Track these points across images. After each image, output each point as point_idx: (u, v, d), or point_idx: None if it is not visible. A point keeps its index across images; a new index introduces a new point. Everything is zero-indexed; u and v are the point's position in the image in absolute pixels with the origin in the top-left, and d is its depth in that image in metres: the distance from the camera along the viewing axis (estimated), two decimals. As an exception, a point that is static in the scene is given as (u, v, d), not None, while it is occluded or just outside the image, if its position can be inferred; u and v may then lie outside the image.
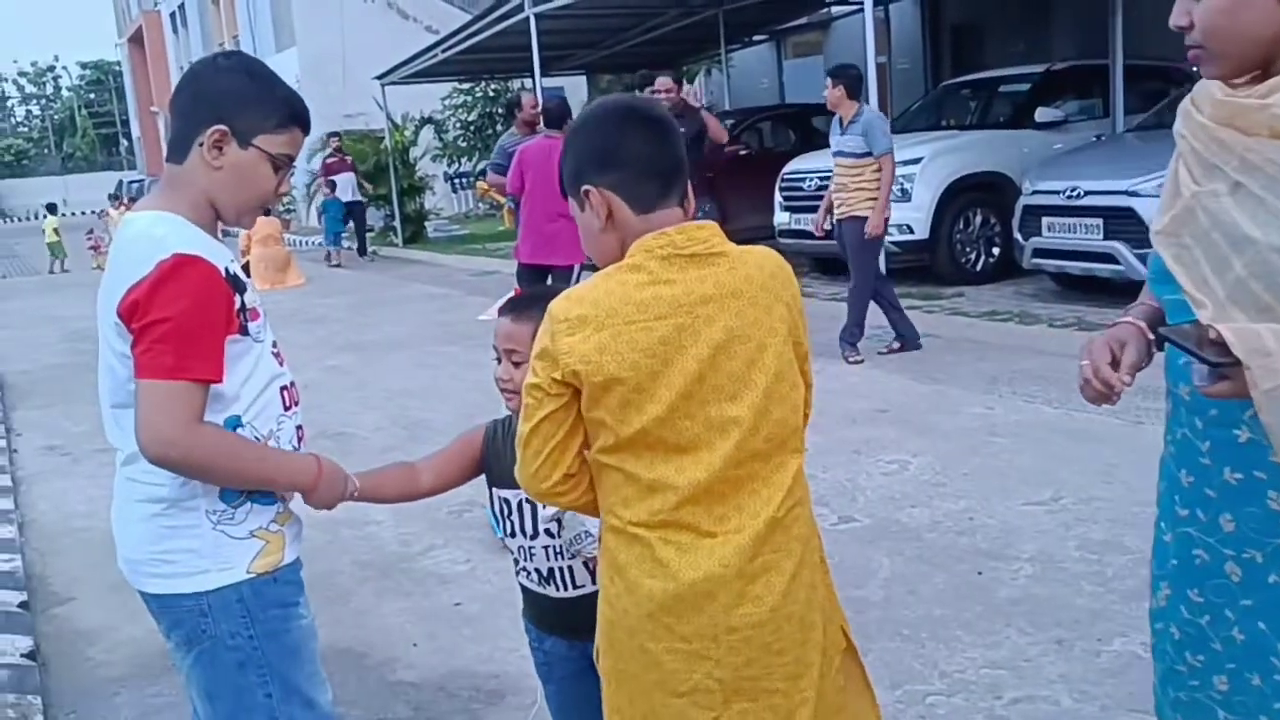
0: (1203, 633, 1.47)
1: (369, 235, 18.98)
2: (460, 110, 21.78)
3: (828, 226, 7.79)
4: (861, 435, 5.70)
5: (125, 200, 23.48)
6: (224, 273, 1.83)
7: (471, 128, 21.96)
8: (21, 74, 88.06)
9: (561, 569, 2.14)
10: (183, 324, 1.75)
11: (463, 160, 22.39)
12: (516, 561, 2.22)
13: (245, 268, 11.69)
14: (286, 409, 1.95)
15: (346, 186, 18.02)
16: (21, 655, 3.79)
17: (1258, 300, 1.31)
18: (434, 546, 4.67)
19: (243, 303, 1.86)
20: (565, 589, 2.15)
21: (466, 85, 21.45)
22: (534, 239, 6.73)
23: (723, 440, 1.69)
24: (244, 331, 1.86)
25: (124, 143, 67.31)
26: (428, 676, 3.55)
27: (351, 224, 18.49)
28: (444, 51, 16.63)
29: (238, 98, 1.89)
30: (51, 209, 21.73)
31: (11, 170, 69.55)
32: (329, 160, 18.24)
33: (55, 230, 20.71)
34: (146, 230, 1.84)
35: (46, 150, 79.81)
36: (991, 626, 3.53)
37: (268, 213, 16.90)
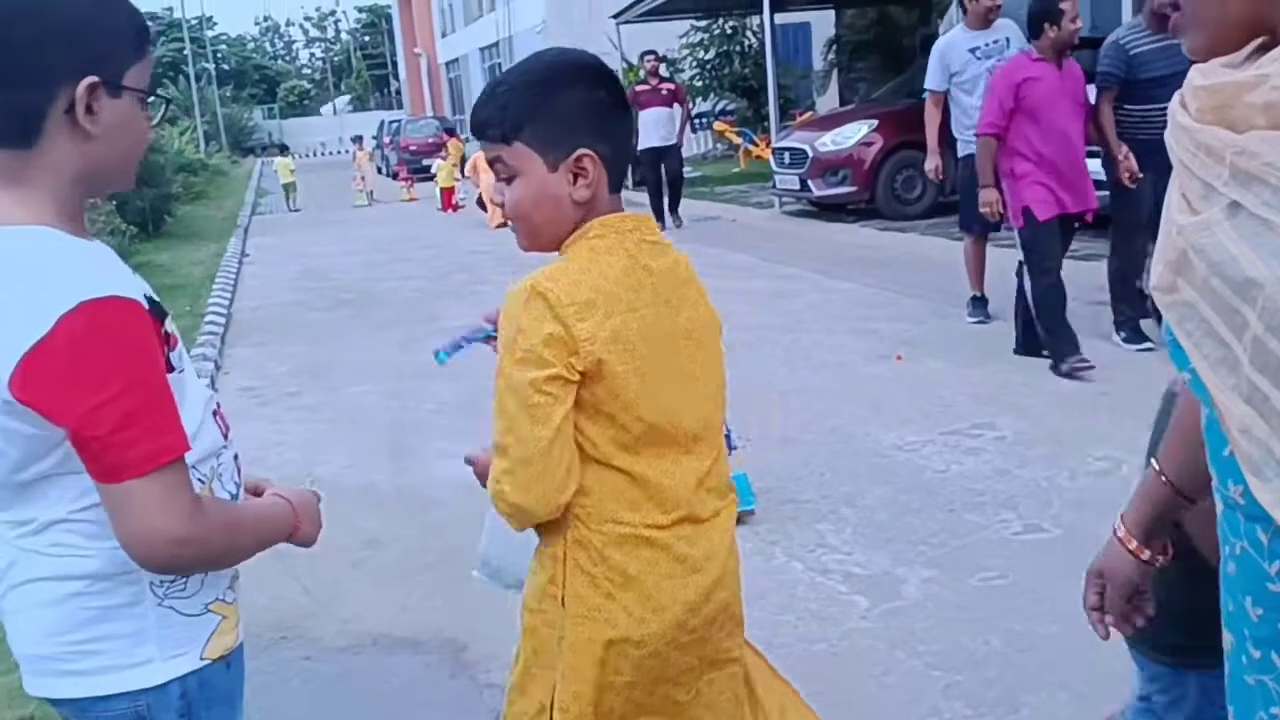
0: None
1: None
2: (696, 49, 21.40)
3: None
4: (1071, 424, 4.98)
5: (362, 145, 23.76)
6: (145, 302, 1.35)
7: (707, 67, 21.55)
8: (307, 18, 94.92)
9: None
10: (136, 397, 1.29)
11: (699, 100, 22.01)
12: None
13: (479, 200, 11.67)
14: (225, 437, 1.53)
15: (654, 127, 12.34)
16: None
17: None
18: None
19: (165, 332, 1.40)
20: None
21: (703, 23, 21.02)
22: (1058, 182, 5.61)
23: (703, 429, 1.67)
24: (169, 366, 1.39)
25: (393, 84, 70.98)
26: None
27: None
28: (678, -12, 16.29)
29: (93, 29, 1.33)
30: (283, 149, 22.98)
31: (295, 110, 74.80)
32: (638, 88, 12.51)
33: (290, 170, 21.77)
34: (17, 262, 1.30)
35: (327, 91, 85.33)
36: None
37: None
